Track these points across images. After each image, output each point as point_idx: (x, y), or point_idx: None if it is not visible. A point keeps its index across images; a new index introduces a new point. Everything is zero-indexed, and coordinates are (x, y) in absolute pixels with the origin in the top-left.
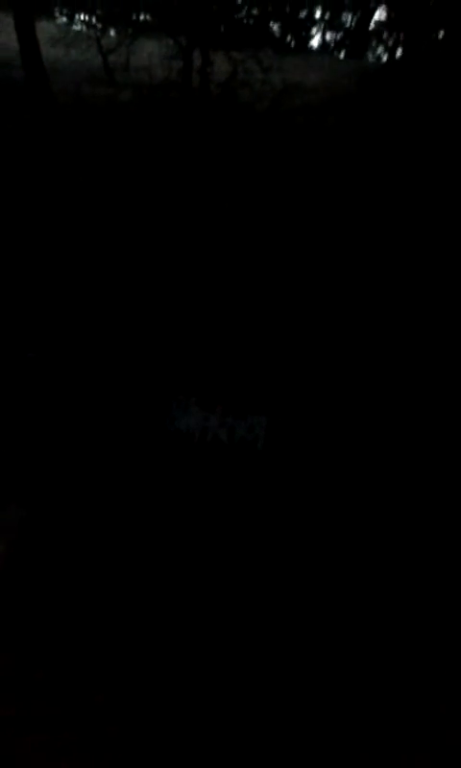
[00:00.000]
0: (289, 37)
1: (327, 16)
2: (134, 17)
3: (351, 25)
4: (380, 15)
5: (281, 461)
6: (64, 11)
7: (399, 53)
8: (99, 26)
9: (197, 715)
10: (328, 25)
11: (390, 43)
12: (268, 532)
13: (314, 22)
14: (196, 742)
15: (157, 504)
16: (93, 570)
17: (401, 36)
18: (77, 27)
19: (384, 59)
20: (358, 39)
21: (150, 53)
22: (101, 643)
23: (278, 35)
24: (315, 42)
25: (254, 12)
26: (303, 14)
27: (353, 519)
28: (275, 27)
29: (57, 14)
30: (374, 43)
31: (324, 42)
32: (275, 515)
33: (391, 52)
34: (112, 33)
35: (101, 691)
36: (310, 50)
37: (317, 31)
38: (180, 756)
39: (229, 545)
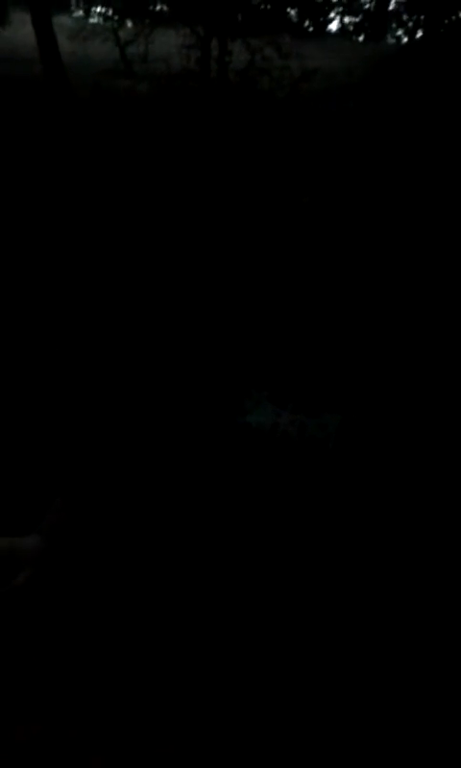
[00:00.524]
0: (307, 22)
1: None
2: (151, 8)
3: (369, 8)
4: None
5: (354, 462)
6: (81, 4)
7: (419, 35)
8: (116, 18)
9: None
10: (347, 8)
11: (410, 25)
12: (334, 538)
13: (332, 6)
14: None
15: (220, 498)
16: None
17: (421, 17)
18: (94, 20)
19: (404, 41)
20: (377, 22)
21: (167, 43)
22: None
23: (295, 20)
24: (334, 26)
25: None
26: None
27: (431, 531)
28: (292, 12)
29: (73, 8)
30: (393, 25)
31: (342, 26)
32: (342, 519)
33: (411, 34)
34: (129, 24)
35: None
36: (329, 34)
37: (335, 15)
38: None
39: (291, 548)
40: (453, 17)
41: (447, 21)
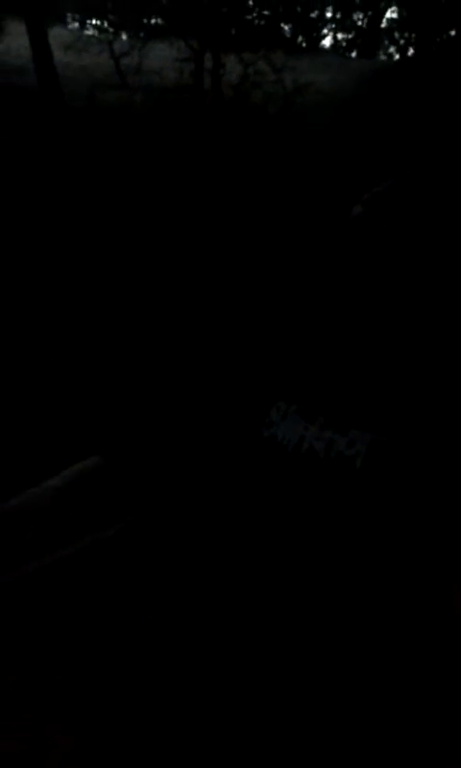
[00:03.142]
0: (300, 38)
1: (338, 16)
2: (146, 21)
3: (362, 24)
4: (392, 14)
5: (384, 484)
6: (77, 16)
7: (410, 52)
8: (111, 30)
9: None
10: (340, 25)
11: (402, 42)
12: (358, 564)
13: (325, 22)
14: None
15: (237, 513)
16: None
17: (413, 35)
18: (89, 32)
19: (396, 57)
20: (370, 39)
21: (162, 56)
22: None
23: (289, 35)
24: (327, 42)
25: (266, 13)
26: (314, 14)
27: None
28: (286, 28)
29: (69, 20)
30: (385, 42)
31: (335, 42)
32: (368, 544)
33: (402, 51)
34: (124, 37)
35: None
36: (322, 50)
37: (328, 31)
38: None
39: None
40: (445, 36)
41: (438, 39)
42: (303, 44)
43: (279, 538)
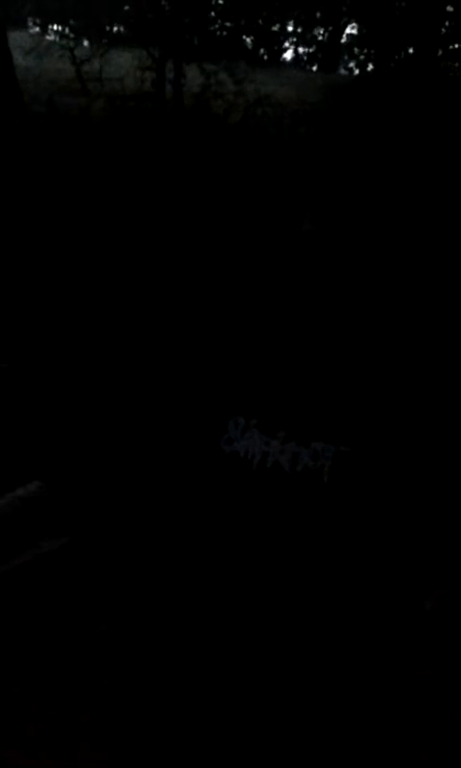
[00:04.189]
0: (262, 50)
1: (299, 30)
2: (108, 29)
3: (323, 39)
4: (352, 30)
5: (351, 497)
6: (38, 21)
7: (369, 67)
8: (72, 36)
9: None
10: (301, 39)
11: (361, 58)
12: (327, 579)
13: (287, 36)
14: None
15: (204, 532)
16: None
17: (372, 51)
18: (50, 37)
19: (356, 72)
20: (330, 53)
21: (123, 64)
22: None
23: (251, 47)
24: (288, 55)
25: (228, 24)
26: (275, 28)
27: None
28: (248, 40)
29: (30, 24)
30: (345, 57)
31: (297, 56)
32: (338, 559)
33: (362, 66)
34: (86, 43)
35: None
36: (283, 63)
37: (290, 44)
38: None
39: (280, 588)
40: (402, 53)
41: (396, 56)
42: (265, 57)
43: (248, 551)
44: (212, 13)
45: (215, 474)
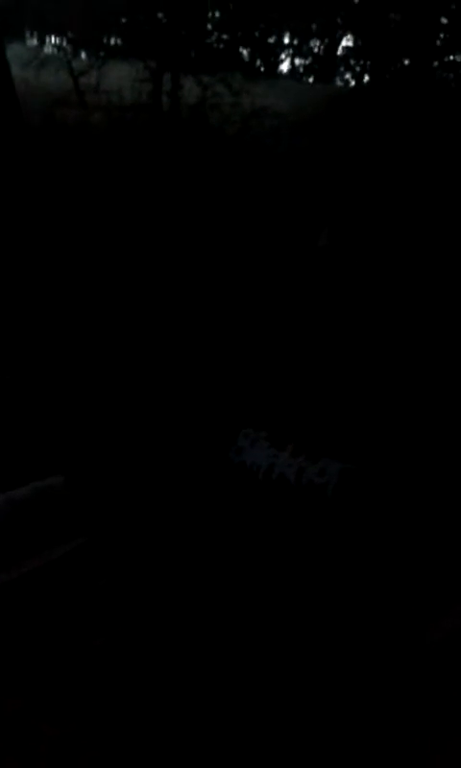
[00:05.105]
0: (259, 62)
1: (295, 42)
2: (105, 41)
3: (319, 51)
4: (348, 42)
5: (355, 514)
6: (35, 33)
7: (366, 79)
8: (70, 49)
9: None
10: (297, 51)
11: (357, 69)
12: (328, 595)
13: (283, 47)
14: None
15: (206, 538)
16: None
17: (368, 63)
18: (48, 50)
19: (352, 84)
20: (326, 65)
21: (120, 76)
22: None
23: (247, 59)
24: (284, 67)
25: (224, 36)
26: (272, 40)
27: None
28: (244, 52)
29: (28, 37)
30: (342, 69)
31: (293, 67)
32: (337, 575)
33: (358, 78)
34: (83, 56)
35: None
36: (280, 74)
37: (286, 56)
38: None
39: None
40: (399, 64)
41: (392, 68)
42: (262, 68)
43: (250, 560)
44: (209, 26)
45: (222, 483)
